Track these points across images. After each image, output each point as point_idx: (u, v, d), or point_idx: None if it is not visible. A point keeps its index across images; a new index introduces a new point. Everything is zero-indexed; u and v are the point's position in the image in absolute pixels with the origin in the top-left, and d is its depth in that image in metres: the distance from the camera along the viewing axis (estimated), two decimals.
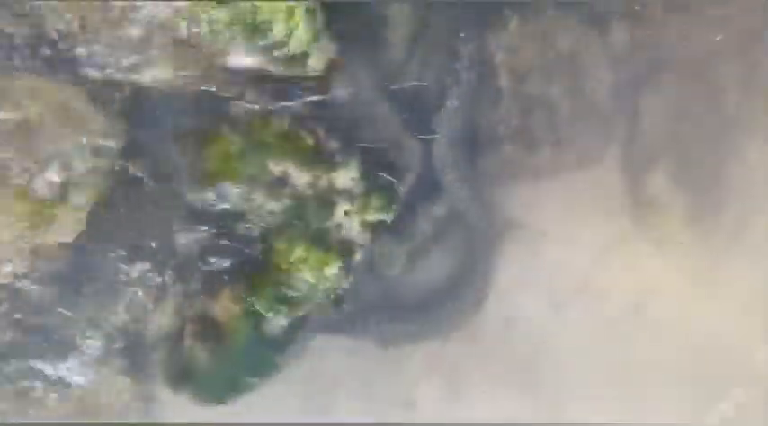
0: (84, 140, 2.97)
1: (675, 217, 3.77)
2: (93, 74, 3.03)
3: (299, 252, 3.29)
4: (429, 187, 3.63)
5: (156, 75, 3.11)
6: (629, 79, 3.69)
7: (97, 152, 3.01)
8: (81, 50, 2.99)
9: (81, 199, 3.00)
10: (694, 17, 3.54)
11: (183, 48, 3.14)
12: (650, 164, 3.77)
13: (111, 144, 3.08)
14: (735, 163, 3.68)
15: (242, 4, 2.98)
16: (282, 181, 3.32)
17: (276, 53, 3.16)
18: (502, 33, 3.47)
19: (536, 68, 3.58)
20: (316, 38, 3.16)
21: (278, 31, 3.08)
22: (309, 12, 3.07)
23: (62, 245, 3.18)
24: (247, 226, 3.28)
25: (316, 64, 3.23)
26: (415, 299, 3.74)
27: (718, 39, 3.52)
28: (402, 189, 3.46)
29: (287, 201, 3.32)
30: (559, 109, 3.65)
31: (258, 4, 3.01)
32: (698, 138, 3.71)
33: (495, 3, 3.48)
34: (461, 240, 3.82)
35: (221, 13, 2.97)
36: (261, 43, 3.11)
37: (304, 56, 3.19)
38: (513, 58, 3.54)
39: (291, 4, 3.03)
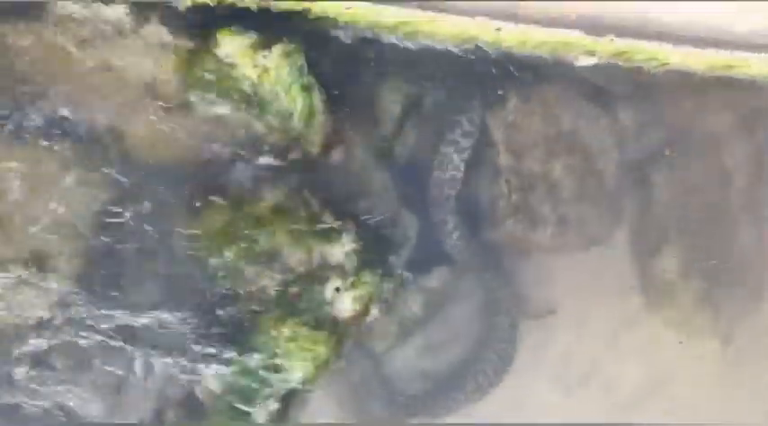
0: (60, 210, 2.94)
1: (688, 301, 3.57)
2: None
3: (286, 331, 3.14)
4: (427, 261, 3.52)
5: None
6: (635, 158, 3.60)
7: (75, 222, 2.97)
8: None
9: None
10: (701, 97, 3.45)
11: (176, 114, 3.15)
12: (660, 245, 3.61)
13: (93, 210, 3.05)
14: (747, 245, 3.51)
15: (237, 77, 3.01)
16: (274, 256, 3.23)
17: (272, 125, 3.15)
18: (501, 110, 3.42)
19: (537, 145, 3.51)
20: (313, 113, 3.16)
21: (276, 106, 3.08)
22: (306, 88, 3.08)
23: None
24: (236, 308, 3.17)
25: (312, 137, 3.21)
26: (412, 385, 3.56)
27: (723, 119, 3.43)
28: (398, 263, 3.36)
29: (278, 277, 3.21)
30: (562, 186, 3.54)
31: (253, 77, 3.04)
32: (709, 220, 3.56)
33: (495, 79, 3.44)
34: (463, 317, 3.67)
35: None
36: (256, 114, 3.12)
37: (301, 129, 3.18)
38: (513, 135, 3.47)
39: (288, 80, 3.04)
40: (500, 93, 3.41)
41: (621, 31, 2.67)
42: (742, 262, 3.56)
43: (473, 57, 3.23)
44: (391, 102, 3.40)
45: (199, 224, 3.19)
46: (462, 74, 3.34)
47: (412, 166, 3.46)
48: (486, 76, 3.35)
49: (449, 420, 3.54)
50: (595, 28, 2.69)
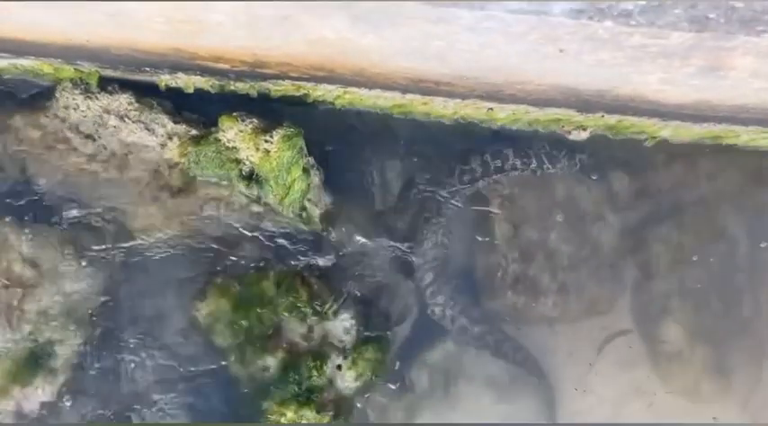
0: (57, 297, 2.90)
1: (695, 369, 3.47)
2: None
3: (290, 413, 3.04)
4: (428, 334, 3.44)
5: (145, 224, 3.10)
6: (632, 225, 3.57)
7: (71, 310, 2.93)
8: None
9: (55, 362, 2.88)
10: (695, 164, 3.46)
11: (180, 198, 3.16)
12: (663, 311, 3.54)
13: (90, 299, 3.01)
14: (752, 308, 3.43)
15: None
16: (276, 335, 3.17)
17: (273, 206, 3.15)
18: (498, 182, 3.43)
19: (533, 215, 3.50)
20: (312, 192, 3.17)
21: (277, 187, 3.09)
22: (306, 170, 3.09)
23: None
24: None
25: (312, 216, 3.20)
26: None
27: (718, 184, 3.43)
28: (398, 338, 3.29)
29: (280, 355, 3.14)
30: (561, 255, 3.50)
31: (255, 160, 3.06)
32: (711, 285, 3.49)
33: (491, 152, 3.46)
34: (467, 390, 3.55)
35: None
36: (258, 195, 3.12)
37: (300, 209, 3.17)
38: (510, 206, 3.46)
39: (289, 162, 3.06)
40: (498, 165, 3.42)
41: (612, 108, 2.68)
42: (748, 327, 3.47)
43: (469, 132, 3.27)
44: (390, 178, 3.41)
45: (202, 305, 3.17)
46: (458, 148, 3.37)
47: (411, 239, 3.43)
48: (482, 150, 3.39)
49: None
50: (587, 105, 2.71)
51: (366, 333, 3.23)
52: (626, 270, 3.56)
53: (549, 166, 3.42)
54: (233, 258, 3.20)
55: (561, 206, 3.52)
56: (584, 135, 3.12)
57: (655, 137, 3.06)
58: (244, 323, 3.14)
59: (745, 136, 2.87)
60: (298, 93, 2.99)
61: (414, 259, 3.38)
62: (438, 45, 2.15)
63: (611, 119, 2.88)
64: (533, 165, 3.43)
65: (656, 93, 2.36)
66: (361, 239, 3.30)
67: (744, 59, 1.90)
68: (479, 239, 3.48)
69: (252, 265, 3.20)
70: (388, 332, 3.31)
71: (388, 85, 2.75)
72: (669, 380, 3.51)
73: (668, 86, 2.24)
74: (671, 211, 3.52)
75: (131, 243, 3.19)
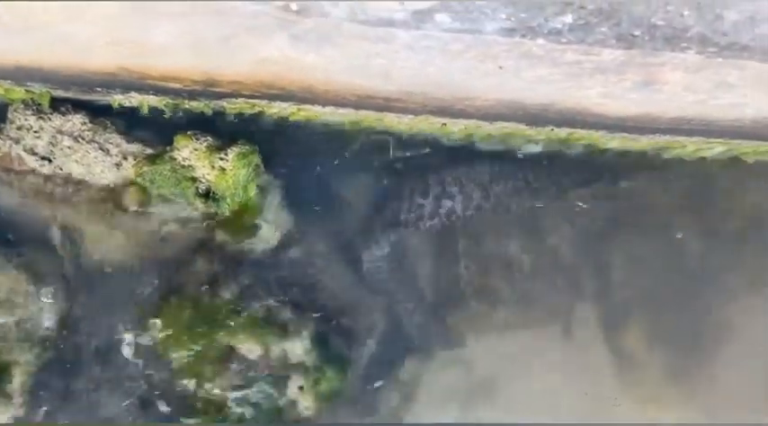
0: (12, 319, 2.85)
1: (656, 375, 3.51)
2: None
3: None
4: (392, 350, 3.43)
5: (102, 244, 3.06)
6: (591, 234, 3.61)
7: (27, 333, 2.87)
8: None
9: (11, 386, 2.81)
10: (648, 174, 3.51)
11: (135, 218, 3.13)
12: (623, 318, 3.58)
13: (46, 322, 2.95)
14: (707, 316, 3.48)
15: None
16: (233, 356, 3.13)
17: (230, 224, 3.13)
18: (455, 197, 3.44)
19: (493, 227, 3.52)
20: (270, 210, 3.15)
21: (233, 205, 3.07)
22: (263, 187, 3.08)
23: None
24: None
25: (270, 234, 3.19)
26: None
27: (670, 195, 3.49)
28: (361, 356, 3.28)
29: (237, 379, 3.11)
30: (520, 265, 3.53)
31: (211, 179, 3.04)
32: (668, 292, 3.54)
33: (451, 167, 3.48)
34: (430, 404, 3.54)
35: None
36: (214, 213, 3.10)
37: (259, 226, 3.16)
38: (469, 218, 3.48)
39: (245, 180, 3.05)
40: (458, 179, 3.44)
41: (560, 121, 2.72)
42: (703, 330, 3.52)
43: (428, 146, 3.29)
44: (351, 194, 3.41)
45: (158, 324, 3.13)
46: (420, 163, 3.39)
47: (373, 255, 3.42)
48: (443, 163, 3.41)
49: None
50: (535, 119, 2.74)
51: (328, 352, 3.21)
52: (585, 278, 3.60)
53: (506, 184, 3.46)
54: (189, 276, 3.18)
55: (520, 217, 3.55)
56: (536, 148, 3.15)
57: (605, 149, 3.10)
58: (199, 342, 3.11)
59: (691, 146, 2.92)
60: (252, 111, 2.97)
61: (376, 275, 3.39)
62: (380, 63, 2.17)
63: (562, 133, 2.91)
64: (495, 180, 3.47)
65: (598, 106, 2.39)
66: (321, 256, 3.29)
67: (674, 74, 1.94)
68: (441, 252, 3.49)
69: (208, 283, 3.17)
70: (351, 351, 3.29)
71: (339, 102, 2.75)
72: (630, 387, 3.55)
73: (608, 100, 2.27)
74: (627, 220, 3.57)
75: (88, 263, 3.16)
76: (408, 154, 3.28)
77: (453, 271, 3.51)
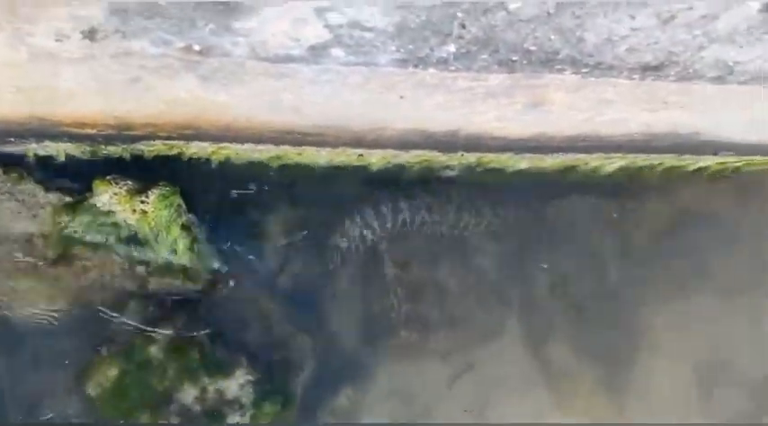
0: None
1: (586, 386, 3.62)
2: None
3: None
4: (328, 381, 3.43)
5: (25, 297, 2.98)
6: (513, 252, 3.74)
7: None
8: None
9: None
10: (558, 191, 3.68)
11: (58, 268, 3.07)
12: (550, 333, 3.69)
13: None
14: (632, 327, 3.64)
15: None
16: (168, 399, 3.07)
17: (155, 267, 3.10)
18: (381, 226, 3.52)
19: (420, 252, 3.61)
20: (194, 250, 3.14)
21: (157, 247, 3.05)
22: (186, 227, 3.08)
23: None
24: None
25: (196, 274, 3.17)
26: None
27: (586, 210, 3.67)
28: (297, 388, 3.26)
29: (176, 421, 3.04)
30: (448, 288, 3.62)
31: (133, 222, 3.02)
32: (590, 305, 3.69)
33: (374, 196, 3.56)
34: None
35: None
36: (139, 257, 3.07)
37: (185, 267, 3.14)
38: (397, 246, 3.56)
39: (168, 221, 3.04)
40: (382, 208, 3.52)
41: (467, 146, 2.86)
42: (627, 341, 3.67)
43: (350, 177, 3.37)
44: (275, 230, 3.43)
45: (89, 379, 3.05)
46: (342, 194, 3.46)
47: (303, 290, 3.44)
48: (366, 193, 3.49)
49: None
50: (445, 146, 2.87)
51: (264, 388, 3.19)
52: (511, 296, 3.71)
53: (432, 209, 3.57)
54: (119, 324, 3.11)
55: (446, 240, 3.65)
56: (452, 173, 3.29)
57: (518, 170, 3.26)
58: (133, 392, 3.03)
59: (594, 162, 3.11)
60: (172, 153, 2.99)
61: (306, 308, 3.40)
62: (288, 98, 2.25)
63: (472, 158, 3.06)
64: (418, 209, 3.58)
65: (498, 129, 2.54)
66: (249, 294, 3.29)
67: (557, 94, 2.10)
68: (370, 281, 3.54)
69: (139, 330, 3.11)
70: (287, 385, 3.28)
71: (257, 139, 2.81)
72: (564, 399, 3.64)
73: (506, 123, 2.42)
74: (546, 236, 3.73)
75: (12, 318, 3.05)
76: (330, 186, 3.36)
77: (384, 301, 3.56)
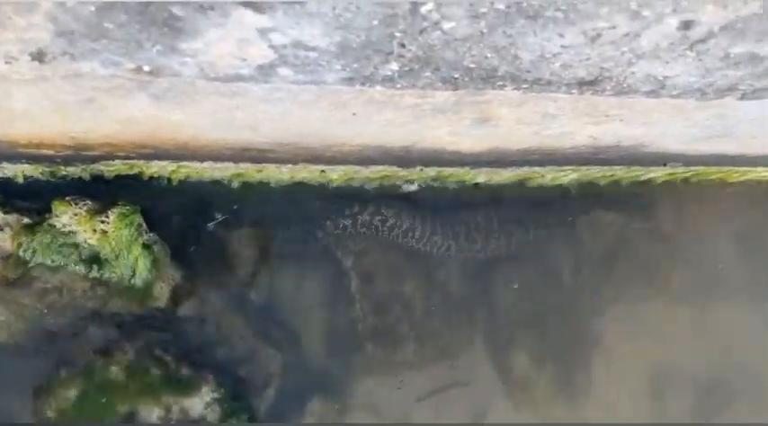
0: None
1: (545, 393, 3.68)
2: None
3: None
4: (294, 396, 3.43)
5: None
6: (477, 267, 3.80)
7: None
8: None
9: None
10: (518, 203, 3.76)
11: (17, 290, 3.04)
12: (512, 344, 3.75)
13: None
14: (586, 336, 3.72)
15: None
16: (131, 420, 3.04)
17: (118, 286, 3.09)
18: (346, 242, 3.56)
19: (385, 267, 3.65)
20: (157, 269, 3.14)
21: (119, 267, 3.04)
22: (147, 246, 3.08)
23: None
24: None
25: (159, 293, 3.16)
26: None
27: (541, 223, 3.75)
28: (262, 406, 3.26)
29: None
30: (414, 302, 3.66)
31: (93, 242, 3.01)
32: (552, 316, 3.76)
33: (339, 210, 3.59)
34: None
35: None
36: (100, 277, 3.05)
37: (147, 286, 3.13)
38: (361, 260, 3.59)
39: (129, 241, 3.04)
40: (346, 223, 3.56)
41: (425, 161, 2.92)
42: (585, 348, 3.75)
43: (314, 192, 3.41)
44: (241, 246, 3.45)
45: (48, 401, 3.01)
46: (307, 210, 3.49)
47: (269, 305, 3.46)
48: (330, 208, 3.52)
49: None
50: (403, 161, 2.93)
51: (231, 405, 3.18)
52: (475, 310, 3.76)
53: (397, 223, 3.62)
54: (80, 345, 3.09)
55: (410, 255, 3.70)
56: (413, 187, 3.35)
57: (476, 184, 3.33)
58: (94, 414, 3.00)
59: (549, 175, 3.19)
60: (132, 172, 3.00)
61: (269, 323, 3.41)
62: (242, 116, 2.28)
63: (431, 172, 3.12)
64: (382, 223, 3.62)
65: (451, 144, 2.60)
66: (213, 311, 3.29)
67: (502, 110, 2.16)
68: (336, 296, 3.57)
69: (100, 351, 3.09)
70: (252, 401, 3.27)
71: (216, 157, 2.84)
72: (523, 407, 3.69)
73: (458, 138, 2.48)
74: (507, 249, 3.79)
75: None
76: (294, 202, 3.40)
77: (350, 315, 3.58)
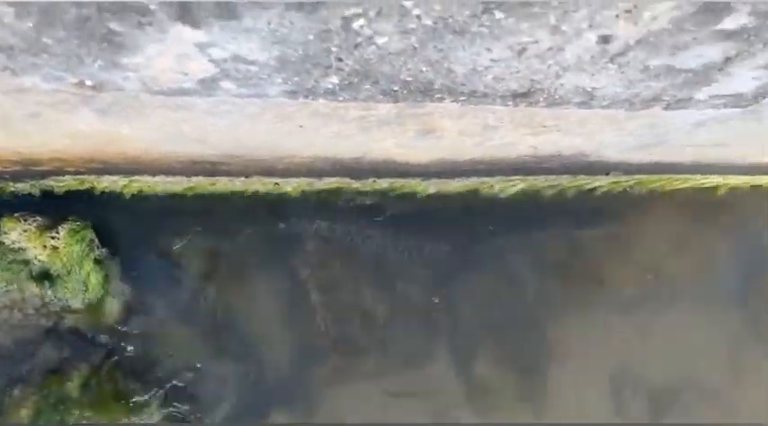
0: None
1: (509, 399, 3.74)
2: None
3: None
4: (254, 410, 3.42)
5: None
6: (438, 276, 3.85)
7: None
8: None
9: None
10: (474, 213, 3.84)
11: None
12: (474, 351, 3.80)
13: None
14: (545, 341, 3.79)
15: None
16: None
17: (69, 302, 3.06)
18: (303, 254, 3.58)
19: (345, 278, 3.67)
20: (108, 284, 3.12)
21: (70, 283, 3.02)
22: (98, 261, 3.06)
23: None
24: None
25: (110, 308, 3.14)
26: None
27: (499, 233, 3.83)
28: (218, 419, 3.24)
29: None
30: (375, 313, 3.69)
31: (44, 258, 2.99)
32: (511, 323, 3.82)
33: (293, 223, 3.62)
34: None
35: None
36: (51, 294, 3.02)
37: (99, 302, 3.11)
38: (320, 272, 3.62)
39: (79, 256, 3.02)
40: (302, 234, 3.58)
41: (377, 173, 2.97)
42: (544, 353, 3.82)
43: (268, 205, 3.43)
44: (196, 259, 3.44)
45: (3, 420, 2.96)
46: (262, 222, 3.51)
47: (224, 319, 3.44)
48: (286, 220, 3.54)
49: None
50: (356, 173, 2.98)
51: (183, 420, 3.16)
52: (437, 319, 3.81)
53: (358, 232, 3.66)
54: (33, 363, 3.05)
55: (370, 266, 3.74)
56: (367, 200, 3.40)
57: (428, 194, 3.40)
58: None
59: (498, 185, 3.28)
60: (83, 187, 3.00)
61: (224, 337, 3.40)
62: (190, 129, 2.31)
63: (384, 183, 3.18)
64: (339, 233, 3.65)
65: (400, 156, 2.66)
66: (166, 326, 3.27)
67: (444, 121, 2.24)
68: (293, 308, 3.58)
69: (53, 368, 3.05)
70: (209, 415, 3.26)
71: (167, 170, 2.86)
72: (487, 413, 3.74)
73: (404, 149, 2.55)
74: (467, 259, 3.86)
75: None
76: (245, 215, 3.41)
77: (311, 327, 3.59)
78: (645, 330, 3.73)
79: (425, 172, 2.93)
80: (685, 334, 3.76)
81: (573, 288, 3.79)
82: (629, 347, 3.69)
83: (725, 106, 2.13)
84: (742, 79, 1.91)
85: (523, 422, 3.70)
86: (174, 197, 3.16)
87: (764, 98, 2.06)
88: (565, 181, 3.23)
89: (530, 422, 3.71)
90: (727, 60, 1.76)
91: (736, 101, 2.09)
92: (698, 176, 3.26)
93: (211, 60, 1.79)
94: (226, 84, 1.94)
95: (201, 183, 3.07)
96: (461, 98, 2.03)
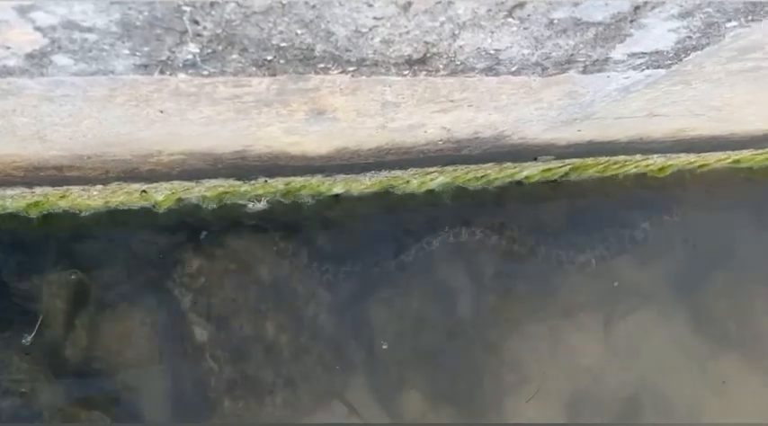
0: None
1: None
2: None
3: None
4: None
5: None
6: (351, 297, 3.88)
7: None
8: None
9: None
10: (393, 220, 3.92)
11: None
12: (402, 383, 3.85)
13: None
14: (481, 365, 3.89)
15: None
16: None
17: None
18: (184, 276, 3.54)
19: (239, 306, 3.65)
20: None
21: None
22: None
23: None
24: None
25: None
26: None
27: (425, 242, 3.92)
28: None
29: None
30: (280, 345, 3.67)
31: None
32: (442, 346, 3.90)
33: (170, 244, 3.57)
34: None
35: None
36: None
37: None
38: (206, 301, 3.58)
39: None
40: (181, 257, 3.54)
41: (268, 171, 2.99)
42: (487, 378, 3.92)
43: (137, 222, 3.38)
44: (49, 296, 3.33)
45: None
46: (129, 243, 3.45)
47: (91, 364, 3.35)
48: (159, 239, 3.49)
49: None
50: (241, 172, 2.98)
51: None
52: (354, 348, 3.84)
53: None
54: None
55: (266, 290, 3.73)
56: (261, 205, 3.40)
57: (335, 195, 3.44)
58: None
59: (414, 180, 3.36)
60: None
61: (92, 386, 3.30)
62: (24, 122, 2.26)
63: (278, 184, 3.19)
64: (224, 252, 3.64)
65: (293, 146, 2.69)
66: (21, 378, 3.15)
67: (336, 99, 2.29)
68: (175, 345, 3.51)
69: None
70: None
71: (3, 181, 2.76)
72: None
73: (296, 137, 2.58)
74: (387, 273, 3.92)
75: None
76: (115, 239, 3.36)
77: (199, 367, 3.54)
78: (598, 340, 3.90)
79: (327, 166, 2.97)
80: (644, 344, 3.95)
81: (515, 301, 3.92)
82: (582, 360, 3.85)
83: (647, 67, 2.29)
84: (658, 32, 2.06)
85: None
86: (16, 216, 3.06)
87: (687, 56, 2.24)
88: (491, 171, 3.36)
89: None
90: (637, 9, 1.91)
91: (658, 59, 2.25)
92: (637, 156, 3.46)
93: (37, 28, 1.76)
94: (60, 59, 1.91)
95: (49, 197, 2.99)
96: (350, 68, 2.09)
